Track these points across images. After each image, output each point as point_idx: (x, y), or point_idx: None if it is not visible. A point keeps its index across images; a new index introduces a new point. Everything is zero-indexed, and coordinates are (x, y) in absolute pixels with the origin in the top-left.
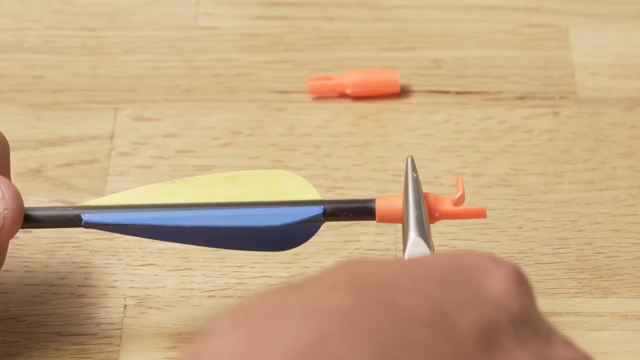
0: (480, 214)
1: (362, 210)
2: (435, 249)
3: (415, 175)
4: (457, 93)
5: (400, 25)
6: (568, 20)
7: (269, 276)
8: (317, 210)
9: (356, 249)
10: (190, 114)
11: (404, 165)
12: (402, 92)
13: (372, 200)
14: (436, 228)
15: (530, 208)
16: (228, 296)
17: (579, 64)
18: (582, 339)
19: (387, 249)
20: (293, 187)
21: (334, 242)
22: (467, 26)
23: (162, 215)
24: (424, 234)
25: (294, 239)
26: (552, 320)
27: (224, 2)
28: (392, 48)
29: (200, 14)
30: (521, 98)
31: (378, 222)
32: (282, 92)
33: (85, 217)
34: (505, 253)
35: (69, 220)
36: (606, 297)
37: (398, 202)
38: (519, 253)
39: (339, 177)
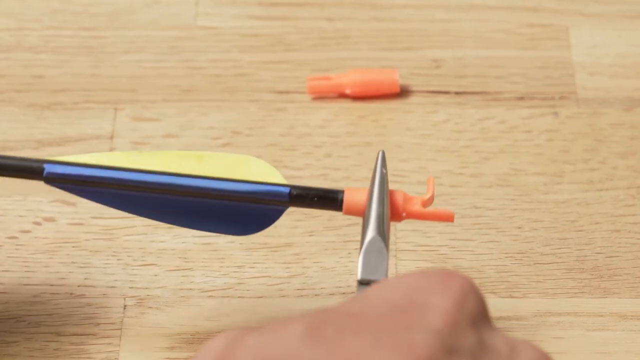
0: (448, 218)
1: (328, 198)
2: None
3: (384, 171)
4: (457, 93)
5: (400, 25)
6: (567, 20)
7: (269, 276)
8: (284, 189)
9: (355, 248)
10: (190, 114)
11: (403, 165)
12: (402, 92)
13: (341, 191)
14: (436, 228)
15: (530, 208)
16: (228, 296)
17: (579, 63)
18: (581, 339)
19: None
20: (260, 172)
21: (333, 242)
22: (467, 26)
23: (126, 176)
24: (383, 233)
25: (257, 221)
26: (552, 320)
27: (224, 2)
28: (391, 48)
29: (199, 14)
30: (521, 98)
31: (344, 214)
32: (281, 92)
33: (48, 167)
34: (505, 253)
35: (31, 170)
36: (606, 297)
37: (366, 196)
38: (518, 253)
39: (339, 177)
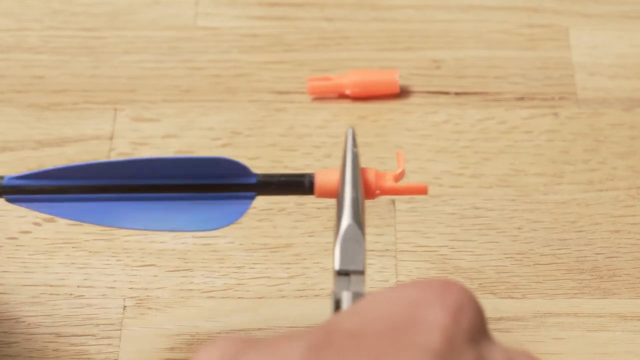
0: (421, 191)
1: (294, 182)
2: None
3: (355, 150)
4: (457, 93)
5: (400, 26)
6: (568, 20)
7: (269, 277)
8: (251, 179)
9: None
10: (189, 115)
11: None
12: (402, 93)
13: (308, 175)
14: (436, 229)
15: (529, 209)
16: (227, 297)
17: (579, 64)
18: (581, 339)
19: (387, 249)
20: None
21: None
22: (467, 26)
23: (92, 182)
24: (358, 218)
25: (226, 212)
26: (552, 321)
27: (224, 2)
28: (391, 48)
29: (199, 14)
30: (521, 99)
31: (317, 197)
32: (281, 92)
33: (6, 179)
34: (505, 254)
35: None
36: (606, 298)
37: (338, 178)
38: (518, 253)
39: None
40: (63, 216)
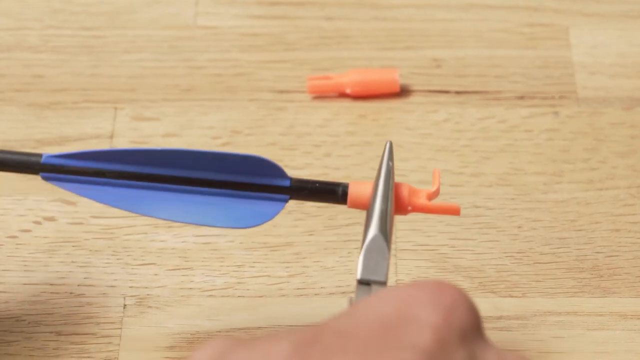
0: (454, 212)
1: (331, 191)
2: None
3: (390, 164)
4: (457, 92)
5: (400, 25)
6: (568, 19)
7: (269, 275)
8: (285, 182)
9: (355, 248)
10: (189, 114)
11: (403, 165)
12: (402, 92)
13: (342, 184)
14: (436, 227)
15: (529, 207)
16: (227, 296)
17: (579, 63)
18: (581, 338)
19: None
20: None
21: (333, 241)
22: (467, 26)
23: (128, 168)
24: (385, 230)
25: (257, 212)
26: (552, 319)
27: (224, 1)
28: (391, 47)
29: (199, 14)
30: (521, 97)
31: (349, 207)
32: (281, 91)
33: (44, 157)
34: (505, 252)
35: (28, 163)
36: (605, 297)
37: (371, 190)
38: (518, 252)
39: (339, 177)
40: (94, 199)
